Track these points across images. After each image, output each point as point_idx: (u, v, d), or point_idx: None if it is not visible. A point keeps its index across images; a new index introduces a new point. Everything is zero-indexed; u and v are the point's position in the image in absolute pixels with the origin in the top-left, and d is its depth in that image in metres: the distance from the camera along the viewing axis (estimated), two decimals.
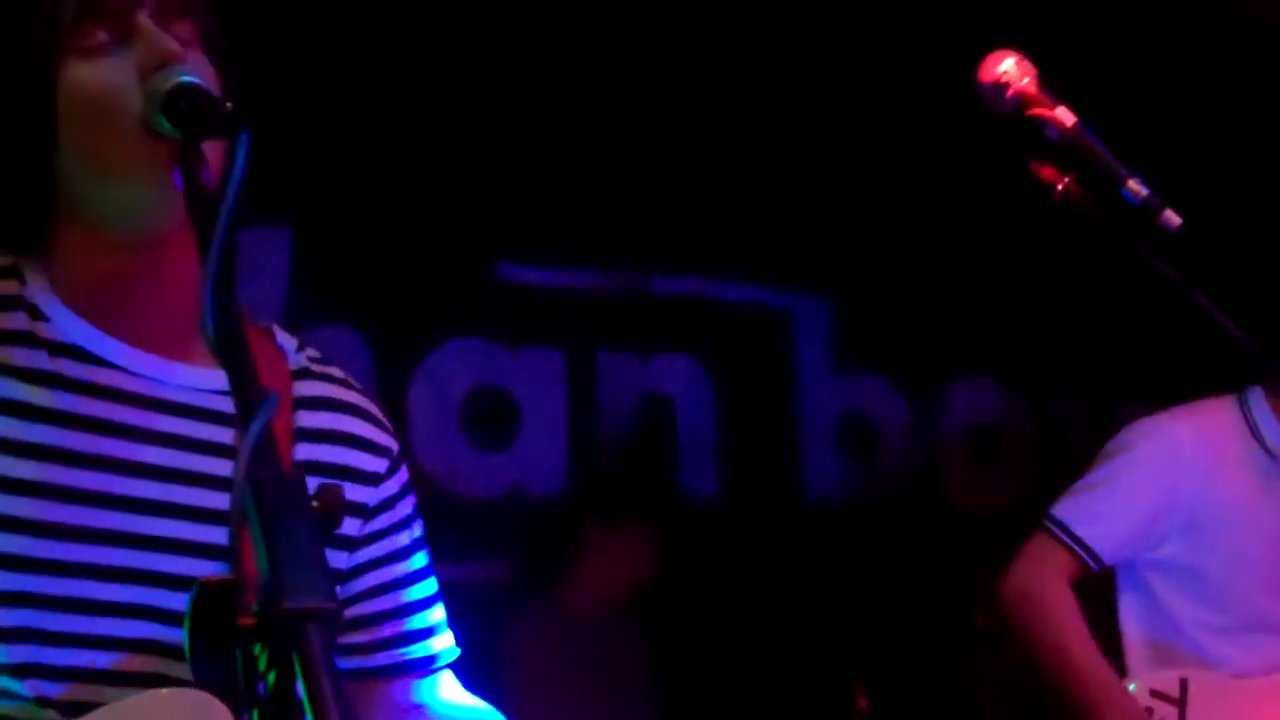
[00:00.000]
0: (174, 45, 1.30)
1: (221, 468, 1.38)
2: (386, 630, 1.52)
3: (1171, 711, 2.68)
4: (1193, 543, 2.72)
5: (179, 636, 1.01)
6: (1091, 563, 2.75)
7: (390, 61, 3.94)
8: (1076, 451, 3.59)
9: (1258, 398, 2.80)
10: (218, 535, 1.36)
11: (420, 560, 1.55)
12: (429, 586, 1.56)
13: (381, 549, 1.51)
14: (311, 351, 1.52)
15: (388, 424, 1.55)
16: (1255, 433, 2.78)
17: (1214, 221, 1.69)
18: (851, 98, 4.32)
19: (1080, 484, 2.81)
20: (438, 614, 1.57)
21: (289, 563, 0.89)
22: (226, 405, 1.38)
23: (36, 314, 1.36)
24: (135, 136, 1.28)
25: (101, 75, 1.30)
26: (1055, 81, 1.67)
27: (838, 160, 4.41)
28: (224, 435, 1.40)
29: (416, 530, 1.55)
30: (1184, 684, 2.69)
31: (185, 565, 1.36)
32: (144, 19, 1.31)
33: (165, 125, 1.25)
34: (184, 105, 1.23)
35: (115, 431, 1.36)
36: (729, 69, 4.26)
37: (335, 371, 1.53)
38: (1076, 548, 2.74)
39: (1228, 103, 4.42)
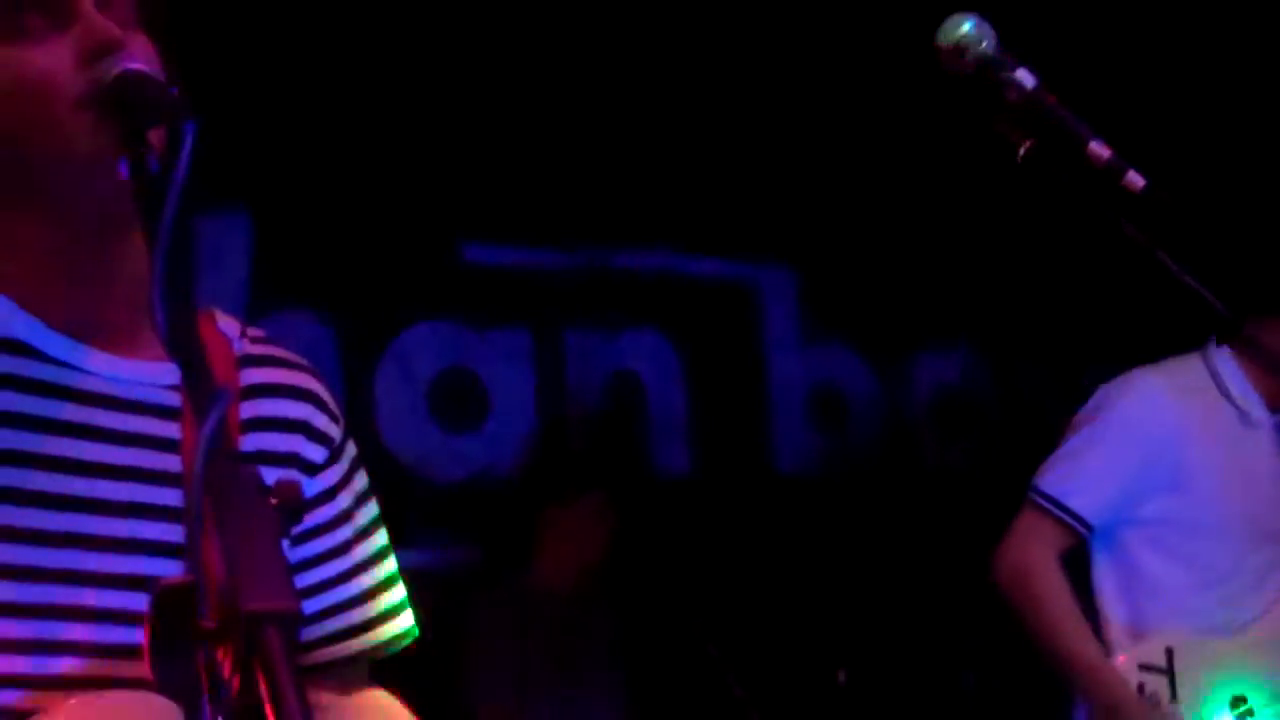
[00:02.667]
0: (114, 30, 1.26)
1: (174, 463, 1.34)
2: (331, 624, 1.49)
3: (1161, 682, 2.70)
4: (1172, 496, 2.74)
5: (138, 638, 0.98)
6: (1083, 530, 2.76)
7: (349, 42, 3.90)
8: (1046, 417, 3.60)
9: (1222, 355, 2.82)
10: (175, 533, 1.33)
11: (370, 546, 1.50)
12: (379, 572, 1.52)
13: (322, 544, 1.47)
14: (254, 332, 1.47)
15: (332, 404, 1.50)
16: (1221, 387, 2.80)
17: (1179, 181, 1.67)
18: (811, 66, 4.30)
19: (1061, 452, 2.82)
20: (390, 597, 1.54)
21: (247, 563, 0.87)
22: (176, 400, 1.35)
23: None
24: (74, 123, 1.24)
25: (38, 60, 1.26)
26: (1016, 43, 1.66)
27: (800, 131, 4.40)
28: (175, 430, 1.36)
29: (363, 517, 1.51)
30: (1170, 653, 2.70)
31: (144, 565, 1.33)
32: (83, 2, 1.27)
33: (108, 112, 1.21)
34: (128, 93, 1.20)
35: (65, 430, 1.33)
36: (687, 42, 4.23)
37: (278, 352, 1.48)
38: (1066, 518, 2.75)
39: (1193, 62, 4.42)
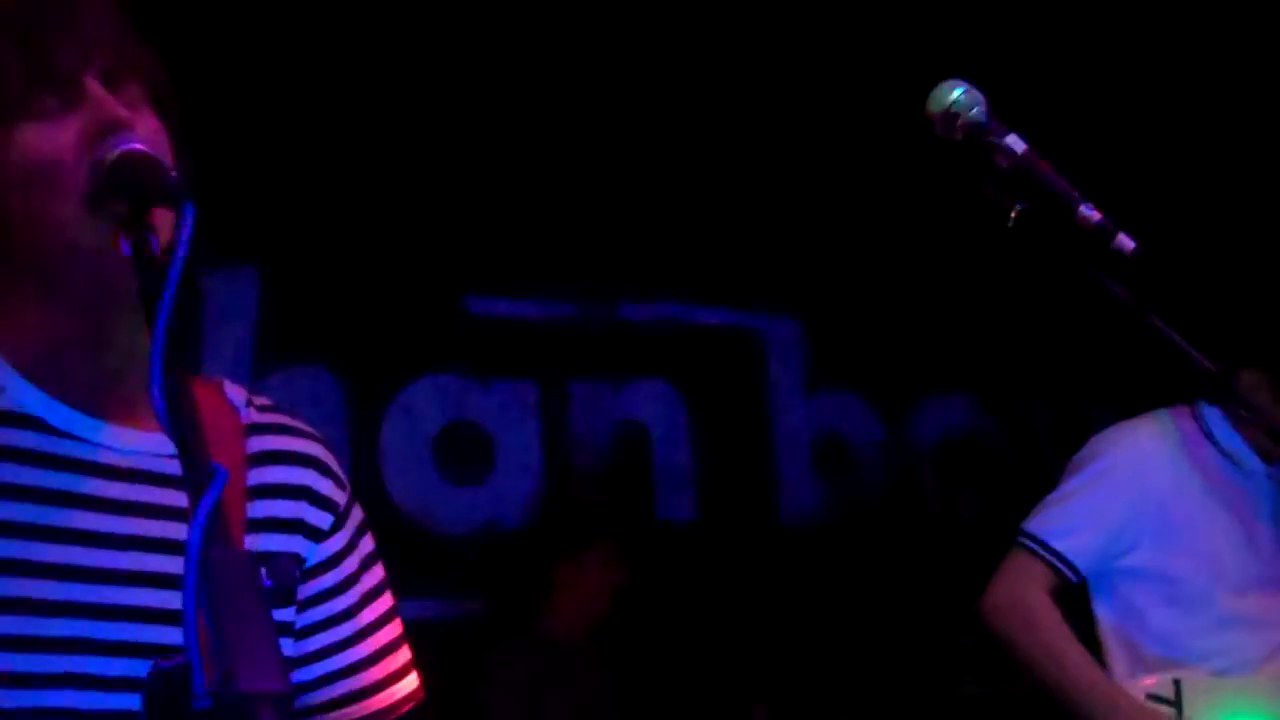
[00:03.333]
0: (120, 111, 1.29)
1: (179, 531, 1.33)
2: (340, 687, 1.51)
3: (1169, 713, 2.70)
4: (1162, 547, 2.75)
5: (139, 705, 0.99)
6: (1069, 574, 2.77)
7: (355, 99, 3.93)
8: (1050, 462, 3.60)
9: (1212, 408, 2.84)
10: (179, 600, 1.36)
11: (376, 609, 1.52)
12: (385, 635, 1.54)
13: (329, 609, 1.48)
14: (261, 401, 1.50)
15: (338, 470, 1.52)
16: (1210, 437, 2.82)
17: (1170, 239, 1.69)
18: (817, 120, 4.33)
19: (1051, 497, 2.84)
20: (396, 659, 1.55)
21: (240, 645, 0.89)
22: (173, 469, 1.32)
23: None
24: (77, 205, 1.27)
25: (46, 141, 1.29)
26: (1007, 107, 1.68)
27: (804, 182, 4.42)
28: (180, 499, 1.40)
29: (370, 581, 1.52)
30: (1178, 685, 2.70)
31: (148, 633, 1.34)
32: (91, 83, 1.30)
33: (110, 195, 1.24)
34: (129, 174, 1.22)
35: (71, 502, 1.35)
36: (696, 95, 4.26)
37: (285, 419, 1.51)
38: (1054, 560, 2.76)
39: (1183, 125, 4.45)
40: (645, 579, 4.07)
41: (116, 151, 1.23)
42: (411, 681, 1.55)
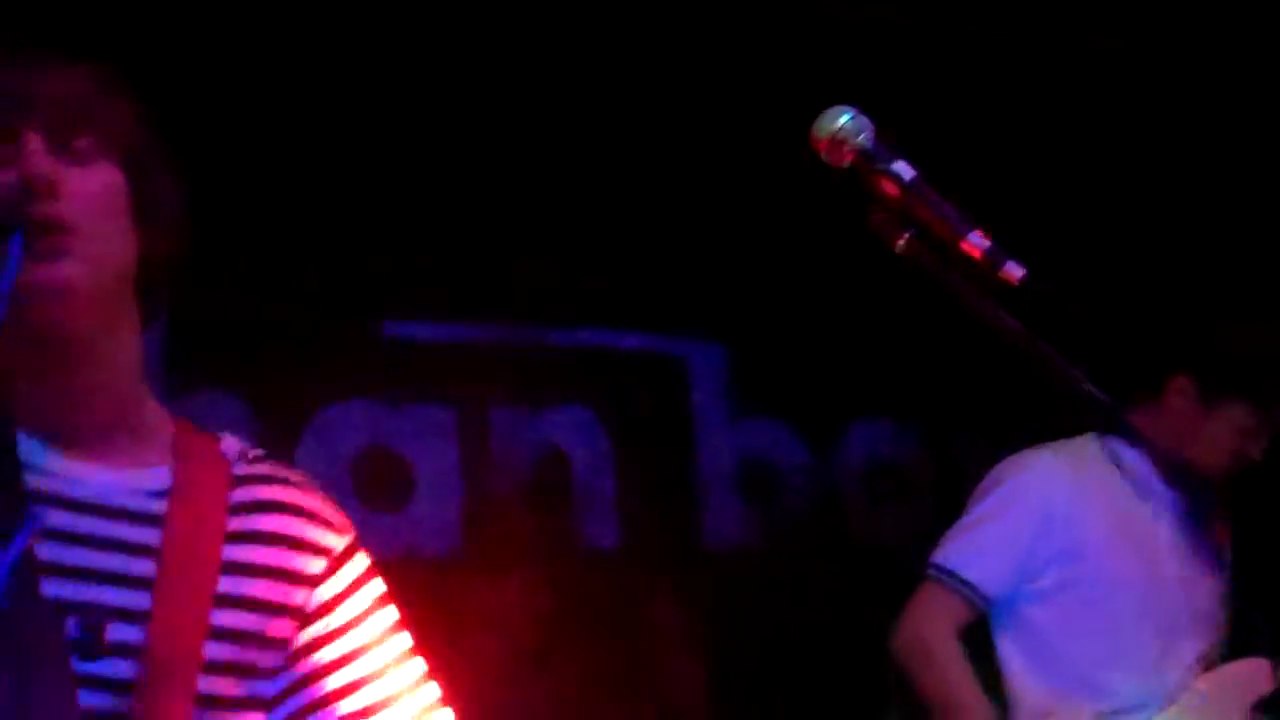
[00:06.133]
0: (43, 176, 1.34)
1: (143, 567, 1.38)
2: None
3: None
4: (1070, 571, 2.77)
5: None
6: (980, 602, 2.78)
7: (269, 111, 3.88)
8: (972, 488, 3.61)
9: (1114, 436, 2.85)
10: (134, 634, 1.34)
11: (388, 653, 1.53)
12: (399, 679, 1.53)
13: (333, 652, 1.50)
14: (256, 453, 1.56)
15: (332, 517, 1.56)
16: (1117, 461, 2.84)
17: (1060, 272, 1.67)
18: (736, 143, 4.32)
19: (958, 526, 2.86)
20: (415, 703, 1.54)
21: (36, 701, 0.85)
22: (151, 506, 1.41)
23: None
24: None
25: None
26: (894, 132, 1.66)
27: (727, 206, 4.41)
28: (149, 536, 1.41)
29: (378, 624, 1.54)
30: None
31: (105, 667, 1.31)
32: (29, 137, 1.35)
33: None
34: None
35: (52, 537, 1.34)
36: (616, 118, 4.25)
37: (276, 471, 1.55)
38: (964, 589, 2.77)
39: (1079, 142, 4.49)
40: (567, 607, 4.03)
41: None
42: None
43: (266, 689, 1.46)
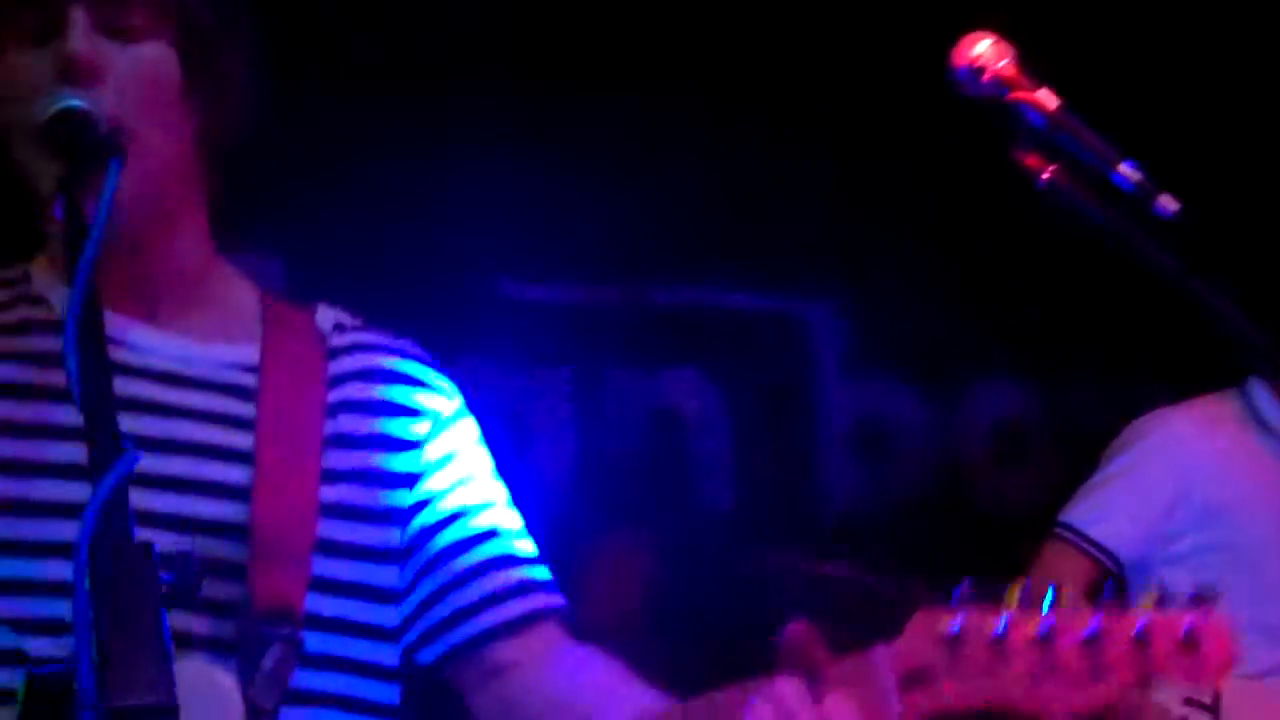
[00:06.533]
0: (82, 59, 1.24)
1: (245, 441, 1.35)
2: (472, 593, 1.47)
3: (1206, 718, 2.61)
4: (1209, 535, 2.67)
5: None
6: (1109, 563, 2.70)
7: (382, 81, 3.88)
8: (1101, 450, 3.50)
9: (1259, 386, 2.74)
10: (236, 512, 1.32)
11: (507, 516, 1.50)
12: (524, 542, 1.49)
13: (443, 510, 1.46)
14: (355, 323, 1.52)
15: (437, 382, 1.53)
16: (1259, 418, 2.73)
17: (1215, 205, 1.58)
18: (852, 93, 4.23)
19: (1087, 485, 2.78)
20: (534, 571, 1.49)
21: (121, 653, 0.81)
22: (241, 379, 1.39)
23: (38, 301, 1.36)
24: (34, 149, 1.26)
25: (20, 71, 1.29)
26: (1036, 63, 1.57)
27: (841, 158, 4.32)
28: (242, 409, 1.38)
29: (488, 488, 1.50)
30: (1217, 690, 2.62)
31: (166, 541, 1.30)
32: (75, 14, 1.27)
33: (47, 153, 1.22)
34: (63, 133, 1.20)
35: (132, 407, 1.32)
36: (724, 75, 4.17)
37: (383, 339, 1.53)
38: (1092, 549, 2.69)
39: (1228, 79, 4.28)
40: (682, 569, 4.01)
41: (53, 108, 1.21)
42: (551, 598, 1.49)
43: (385, 578, 1.40)
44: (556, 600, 1.49)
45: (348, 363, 1.48)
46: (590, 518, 4.09)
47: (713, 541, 4.26)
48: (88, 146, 1.18)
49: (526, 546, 1.51)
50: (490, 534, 1.47)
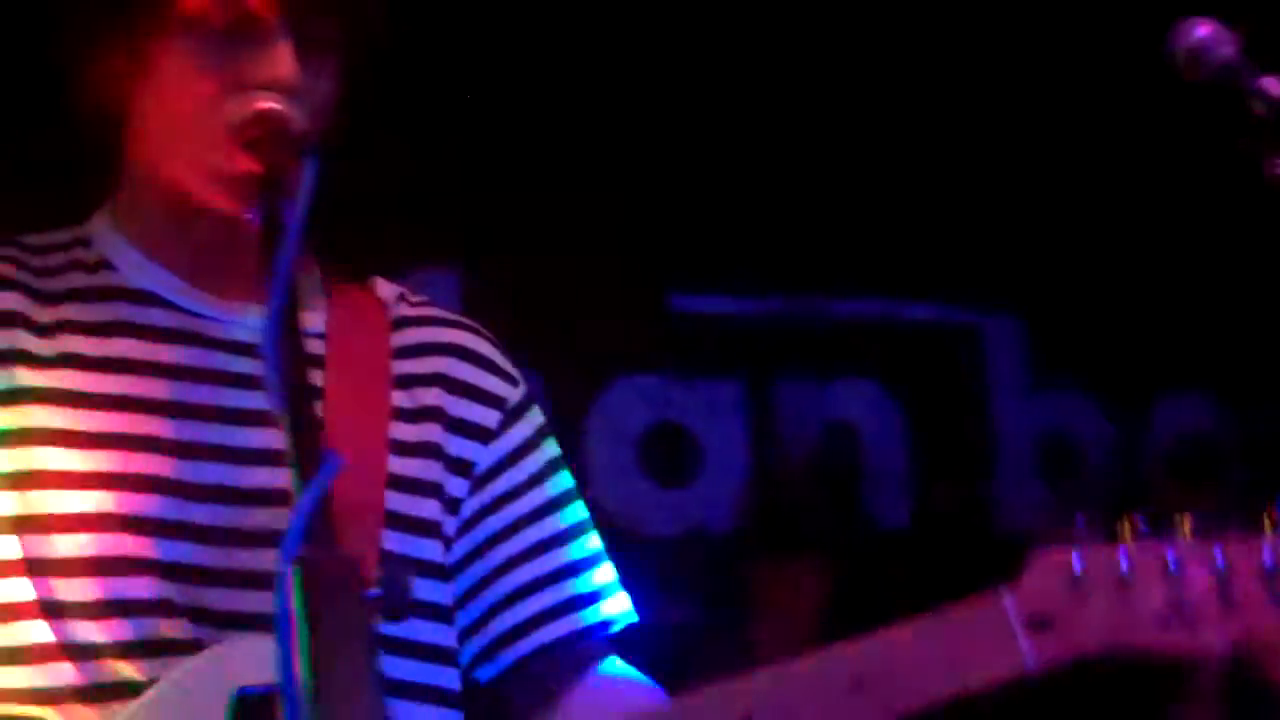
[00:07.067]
0: (281, 67, 1.26)
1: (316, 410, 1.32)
2: (535, 604, 1.44)
3: None
4: None
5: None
6: None
7: (552, 90, 3.90)
8: None
9: None
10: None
11: (569, 516, 1.47)
12: (584, 546, 1.48)
13: (510, 514, 1.44)
14: (416, 297, 1.50)
15: (506, 366, 1.50)
16: None
17: None
18: (1030, 103, 4.13)
19: None
20: (602, 575, 1.48)
21: (331, 680, 0.78)
22: (318, 348, 1.37)
23: (96, 267, 1.36)
24: (221, 154, 1.27)
25: (208, 61, 1.29)
26: (1260, 51, 1.49)
27: (1020, 162, 4.22)
28: (316, 378, 1.35)
29: (555, 486, 1.47)
30: None
31: (282, 518, 1.30)
32: (274, 22, 1.29)
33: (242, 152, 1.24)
34: (263, 134, 1.21)
35: (200, 377, 1.34)
36: (905, 81, 4.11)
37: (436, 312, 1.50)
38: None
39: None
40: (856, 585, 3.94)
41: (250, 109, 1.23)
42: (621, 601, 1.46)
43: (442, 555, 1.38)
44: (597, 616, 1.43)
45: (416, 334, 1.46)
46: (762, 534, 4.06)
47: (888, 560, 4.19)
48: (287, 147, 1.19)
49: (587, 546, 1.45)
50: (541, 546, 1.43)
